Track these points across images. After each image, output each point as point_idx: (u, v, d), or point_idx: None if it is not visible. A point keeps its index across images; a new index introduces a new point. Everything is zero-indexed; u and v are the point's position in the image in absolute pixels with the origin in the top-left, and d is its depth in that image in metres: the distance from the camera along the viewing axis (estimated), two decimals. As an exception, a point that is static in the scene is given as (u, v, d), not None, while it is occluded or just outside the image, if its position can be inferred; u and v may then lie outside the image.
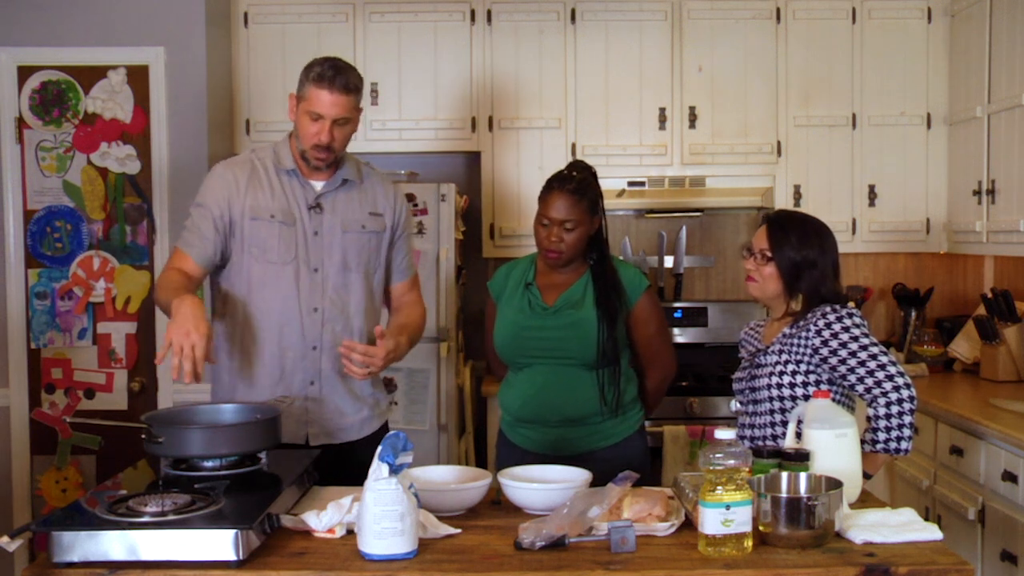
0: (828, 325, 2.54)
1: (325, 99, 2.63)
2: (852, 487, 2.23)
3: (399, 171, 4.23)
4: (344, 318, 2.74)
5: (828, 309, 2.57)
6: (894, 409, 2.47)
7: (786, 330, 2.63)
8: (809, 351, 2.55)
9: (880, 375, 2.49)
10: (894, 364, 2.51)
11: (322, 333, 2.71)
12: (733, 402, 3.98)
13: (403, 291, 2.93)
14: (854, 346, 2.51)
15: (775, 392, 2.59)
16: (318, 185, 2.75)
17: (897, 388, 2.48)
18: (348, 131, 2.70)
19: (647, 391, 3.02)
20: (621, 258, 3.35)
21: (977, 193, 4.04)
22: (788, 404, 2.56)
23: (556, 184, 2.87)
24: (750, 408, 2.68)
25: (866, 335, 2.53)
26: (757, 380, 2.64)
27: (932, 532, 2.02)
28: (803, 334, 2.57)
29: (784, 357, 2.59)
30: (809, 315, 2.59)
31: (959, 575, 1.87)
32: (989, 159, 3.99)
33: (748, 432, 2.67)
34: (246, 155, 2.81)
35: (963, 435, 3.44)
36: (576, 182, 2.86)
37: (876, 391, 2.49)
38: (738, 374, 2.77)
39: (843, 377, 2.53)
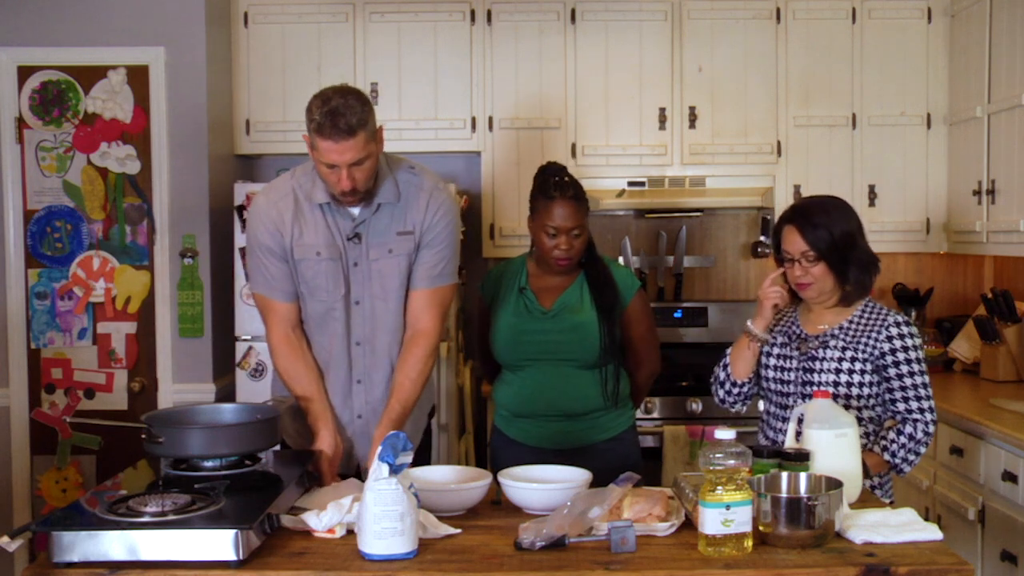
0: (901, 336, 2.56)
1: (331, 149, 2.42)
2: (852, 487, 2.23)
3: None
4: (377, 351, 2.66)
5: (901, 319, 2.59)
6: (921, 435, 2.54)
7: (844, 323, 2.61)
8: (877, 354, 2.56)
9: (925, 403, 2.56)
10: (931, 393, 2.58)
11: (364, 366, 2.66)
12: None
13: (418, 306, 2.65)
14: (915, 366, 2.56)
15: (843, 390, 2.57)
16: (355, 211, 2.61)
17: (935, 422, 2.56)
18: (369, 166, 2.50)
19: (635, 388, 3.06)
20: (620, 260, 3.35)
21: (977, 193, 4.04)
22: (847, 402, 2.56)
23: (557, 192, 2.84)
24: (799, 402, 2.56)
25: (923, 357, 2.59)
26: (818, 375, 2.59)
27: (932, 532, 2.02)
28: (872, 334, 2.57)
29: (849, 354, 2.57)
30: (874, 313, 2.60)
31: (959, 575, 1.87)
32: (989, 159, 3.98)
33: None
34: (286, 183, 2.64)
35: (963, 435, 3.44)
36: (573, 187, 2.86)
37: (916, 414, 2.54)
38: (779, 363, 2.66)
39: (889, 391, 2.57)
